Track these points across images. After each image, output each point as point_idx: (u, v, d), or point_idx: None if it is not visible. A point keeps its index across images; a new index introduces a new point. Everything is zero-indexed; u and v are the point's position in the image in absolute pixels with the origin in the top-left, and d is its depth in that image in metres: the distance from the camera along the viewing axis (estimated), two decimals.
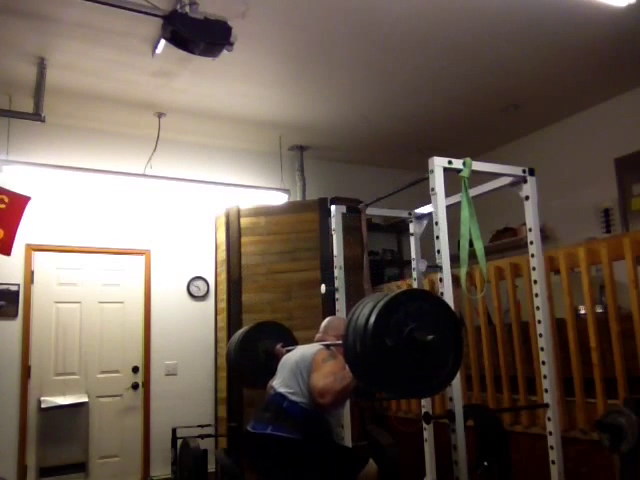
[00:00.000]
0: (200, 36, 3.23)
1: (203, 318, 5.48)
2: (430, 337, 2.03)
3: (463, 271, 2.81)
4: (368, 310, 2.08)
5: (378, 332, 2.01)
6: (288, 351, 3.23)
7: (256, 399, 4.70)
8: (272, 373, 3.12)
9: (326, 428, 2.79)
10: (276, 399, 2.83)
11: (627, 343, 2.95)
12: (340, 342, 2.81)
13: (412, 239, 3.80)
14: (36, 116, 4.18)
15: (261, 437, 2.74)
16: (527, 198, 3.01)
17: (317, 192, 5.77)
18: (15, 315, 4.79)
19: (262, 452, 2.77)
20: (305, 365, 2.82)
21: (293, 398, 2.76)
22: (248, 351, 3.61)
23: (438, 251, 2.70)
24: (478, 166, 2.84)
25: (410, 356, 2.04)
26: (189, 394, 5.30)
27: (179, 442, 4.45)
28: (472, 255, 2.80)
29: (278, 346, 3.46)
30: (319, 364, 2.78)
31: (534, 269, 2.99)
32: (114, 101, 4.76)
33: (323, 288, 3.69)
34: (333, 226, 3.72)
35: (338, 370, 2.69)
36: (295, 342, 3.62)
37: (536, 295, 2.99)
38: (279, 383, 2.90)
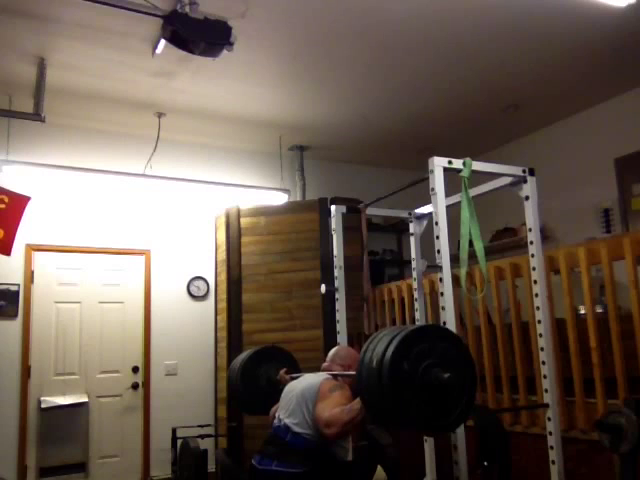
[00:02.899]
0: (200, 36, 3.23)
1: (203, 318, 5.48)
2: (447, 375, 1.99)
3: (463, 271, 2.81)
4: (382, 347, 2.03)
5: (393, 369, 1.97)
6: (293, 378, 3.17)
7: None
8: (275, 400, 3.07)
9: (330, 459, 2.73)
10: (280, 431, 2.78)
11: (627, 343, 2.94)
12: (347, 372, 2.81)
13: (412, 239, 3.80)
14: (36, 116, 4.18)
15: (265, 473, 2.70)
16: (527, 198, 3.01)
17: (317, 192, 5.78)
18: (15, 315, 4.79)
19: None
20: (311, 395, 2.76)
21: (297, 430, 2.71)
22: (249, 379, 3.51)
23: (438, 251, 2.70)
24: (478, 166, 2.83)
25: (425, 395, 2.01)
26: (189, 394, 5.30)
27: (179, 442, 4.44)
28: (472, 255, 2.80)
29: (282, 372, 3.38)
30: (325, 394, 2.72)
31: (534, 269, 2.99)
32: (114, 101, 4.76)
33: (323, 288, 3.69)
34: (333, 226, 3.71)
35: (345, 401, 2.63)
36: (297, 366, 3.55)
37: (536, 295, 2.99)
38: (284, 413, 2.84)
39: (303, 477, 2.61)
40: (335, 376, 2.89)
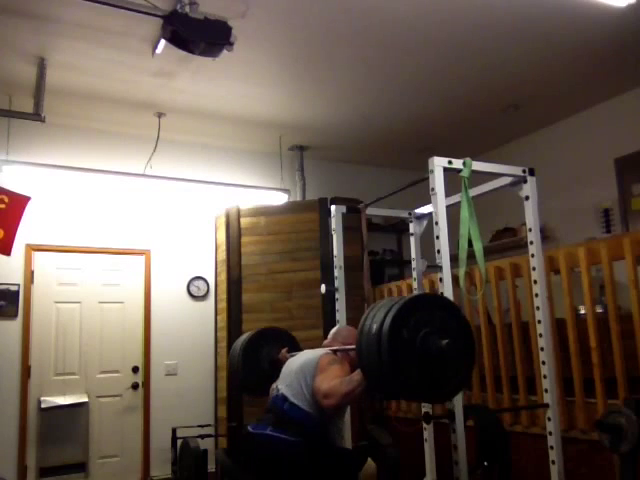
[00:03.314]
0: (200, 36, 3.23)
1: (203, 318, 5.48)
2: (445, 342, 2.00)
3: (462, 271, 2.81)
4: (381, 316, 2.05)
5: (392, 338, 1.98)
6: (293, 355, 3.19)
7: (256, 399, 4.70)
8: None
9: (325, 434, 2.74)
10: (278, 401, 2.81)
11: (627, 343, 2.95)
12: (347, 347, 2.82)
13: (412, 239, 3.80)
14: (36, 116, 4.18)
15: (259, 437, 2.71)
16: (527, 198, 3.01)
17: (317, 192, 5.77)
18: (15, 315, 4.79)
19: (259, 452, 2.73)
20: (310, 369, 2.78)
21: (294, 401, 2.72)
22: (251, 360, 3.51)
23: (438, 251, 2.70)
24: (478, 166, 2.84)
25: (424, 362, 2.02)
26: (189, 394, 5.30)
27: (179, 442, 4.44)
28: (472, 255, 2.81)
29: (283, 351, 3.40)
30: (324, 367, 2.74)
31: (534, 269, 2.99)
32: (114, 101, 4.76)
33: (323, 288, 3.69)
34: (333, 226, 3.71)
35: (344, 374, 2.64)
36: (298, 346, 3.56)
37: (536, 295, 2.99)
38: (282, 385, 2.87)
39: (295, 446, 2.61)
40: (335, 352, 2.91)
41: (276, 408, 2.78)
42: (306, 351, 3.07)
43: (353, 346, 2.44)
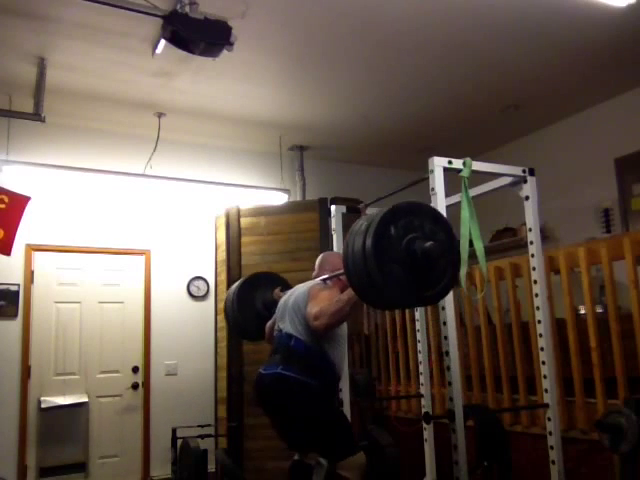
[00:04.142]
0: (200, 36, 3.23)
1: (203, 318, 5.47)
2: (429, 244, 2.05)
3: (462, 271, 2.81)
4: (364, 228, 2.10)
5: (377, 248, 2.03)
6: (286, 294, 3.27)
7: (255, 400, 4.70)
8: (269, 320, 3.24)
9: (330, 364, 2.84)
10: (283, 339, 2.89)
11: (627, 343, 2.95)
12: (336, 273, 2.89)
13: None
14: (36, 116, 4.18)
15: (272, 376, 2.80)
16: (527, 198, 3.01)
17: (317, 192, 5.77)
18: (15, 315, 4.79)
19: (272, 391, 2.83)
20: (303, 301, 2.88)
21: (298, 336, 2.82)
22: (246, 306, 3.56)
23: None
24: (478, 166, 2.84)
25: (410, 267, 2.07)
26: (189, 394, 5.30)
27: (179, 442, 4.44)
28: (472, 255, 2.80)
29: (276, 290, 3.48)
30: (315, 294, 2.84)
31: (534, 269, 2.99)
32: (114, 101, 4.76)
33: None
34: (333, 226, 3.71)
35: (333, 296, 2.73)
36: (290, 286, 3.57)
37: (536, 295, 2.99)
38: (282, 323, 2.96)
39: (307, 387, 2.73)
40: (325, 281, 2.99)
41: (282, 347, 2.87)
42: (298, 286, 3.14)
43: (341, 270, 2.49)
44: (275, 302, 3.35)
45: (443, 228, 2.20)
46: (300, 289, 3.03)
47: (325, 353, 2.82)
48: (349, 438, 2.87)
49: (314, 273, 3.17)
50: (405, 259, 2.06)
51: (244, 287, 3.62)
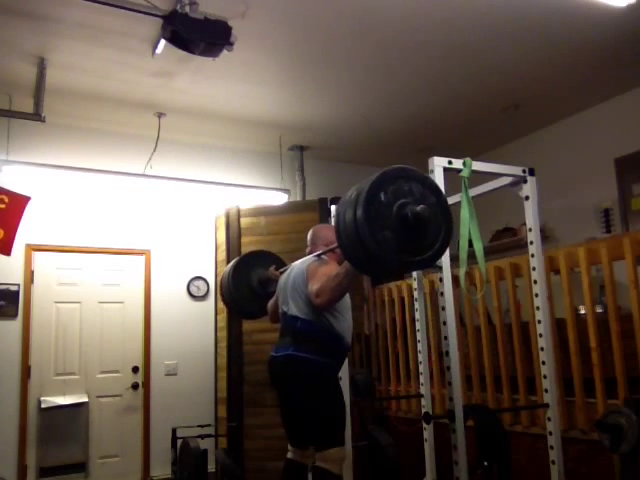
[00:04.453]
0: (200, 36, 3.23)
1: (203, 318, 5.47)
2: (420, 207, 2.04)
3: (462, 271, 2.81)
4: (354, 198, 2.10)
5: (368, 217, 2.02)
6: (282, 273, 3.30)
7: (256, 398, 4.71)
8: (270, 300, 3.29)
9: (338, 337, 2.88)
10: (289, 322, 2.94)
11: (627, 343, 2.95)
12: (330, 247, 2.92)
13: None
14: (36, 116, 4.18)
15: (285, 357, 2.86)
16: (527, 198, 3.01)
17: (317, 192, 5.77)
18: (15, 315, 4.79)
19: (286, 372, 2.88)
20: (302, 280, 2.92)
21: (304, 317, 2.86)
22: (242, 284, 3.63)
23: None
24: (478, 166, 2.84)
25: (403, 232, 2.07)
26: (189, 394, 5.30)
27: (179, 442, 4.45)
28: (472, 255, 2.80)
29: (271, 269, 3.51)
30: (313, 272, 2.87)
31: (534, 269, 3.00)
32: (114, 101, 4.76)
33: None
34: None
35: (332, 271, 2.76)
36: (284, 264, 3.62)
37: (536, 295, 3.00)
38: (285, 305, 3.00)
39: (319, 365, 2.80)
40: (319, 256, 3.01)
41: (290, 329, 2.92)
42: (294, 264, 3.18)
43: (335, 244, 2.53)
44: (269, 279, 3.43)
45: (433, 191, 2.21)
46: (297, 268, 3.06)
47: (332, 327, 2.86)
48: (343, 427, 2.92)
49: (308, 249, 3.18)
50: (397, 224, 2.06)
51: (239, 266, 3.68)
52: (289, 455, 3.03)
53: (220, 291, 3.84)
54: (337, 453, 2.78)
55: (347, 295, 2.94)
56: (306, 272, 2.92)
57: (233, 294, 3.66)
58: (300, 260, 3.15)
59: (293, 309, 2.92)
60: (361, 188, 2.10)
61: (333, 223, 3.68)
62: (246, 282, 3.65)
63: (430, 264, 2.32)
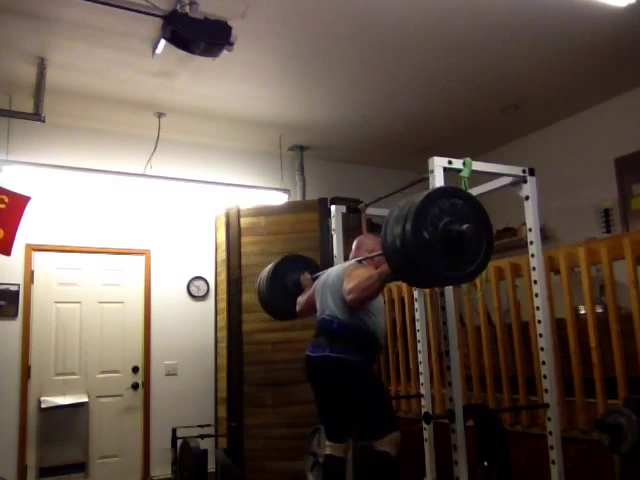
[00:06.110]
0: (200, 36, 3.23)
1: (203, 318, 5.47)
2: (465, 226, 2.16)
3: None
4: (405, 210, 2.22)
5: (417, 228, 2.15)
6: (314, 278, 3.43)
7: (256, 398, 4.71)
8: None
9: (371, 335, 2.99)
10: (325, 323, 3.04)
11: (627, 343, 2.94)
12: (372, 255, 3.06)
13: None
14: (36, 116, 4.18)
15: (321, 358, 2.96)
16: (527, 198, 3.01)
17: (317, 192, 5.77)
18: (15, 315, 4.79)
19: (323, 372, 2.99)
20: (339, 279, 3.03)
21: (339, 316, 2.98)
22: (278, 285, 3.71)
23: None
24: (478, 166, 2.83)
25: (447, 248, 2.19)
26: (189, 394, 5.30)
27: (179, 442, 4.44)
28: None
29: (303, 276, 3.59)
30: (349, 273, 2.97)
31: (534, 269, 2.99)
32: (114, 101, 4.76)
33: None
34: (333, 226, 3.71)
35: (366, 273, 2.87)
36: (319, 269, 3.71)
37: (536, 295, 2.99)
38: (322, 307, 3.12)
39: (355, 365, 2.91)
40: (360, 261, 3.12)
41: (326, 331, 3.02)
42: (332, 268, 3.33)
43: (377, 252, 2.72)
44: (302, 286, 3.54)
45: (475, 210, 2.31)
46: (336, 270, 3.19)
47: (366, 326, 2.98)
48: (391, 411, 3.06)
49: (351, 254, 3.31)
50: (443, 241, 2.18)
51: (275, 269, 3.74)
52: (328, 451, 3.14)
53: (258, 296, 3.90)
54: (396, 437, 2.89)
55: (380, 299, 3.12)
56: (344, 273, 3.03)
57: (269, 297, 3.74)
58: (338, 265, 3.30)
59: (330, 309, 3.04)
60: (410, 204, 2.22)
61: (334, 224, 3.73)
62: (282, 282, 3.72)
63: (470, 279, 2.45)
